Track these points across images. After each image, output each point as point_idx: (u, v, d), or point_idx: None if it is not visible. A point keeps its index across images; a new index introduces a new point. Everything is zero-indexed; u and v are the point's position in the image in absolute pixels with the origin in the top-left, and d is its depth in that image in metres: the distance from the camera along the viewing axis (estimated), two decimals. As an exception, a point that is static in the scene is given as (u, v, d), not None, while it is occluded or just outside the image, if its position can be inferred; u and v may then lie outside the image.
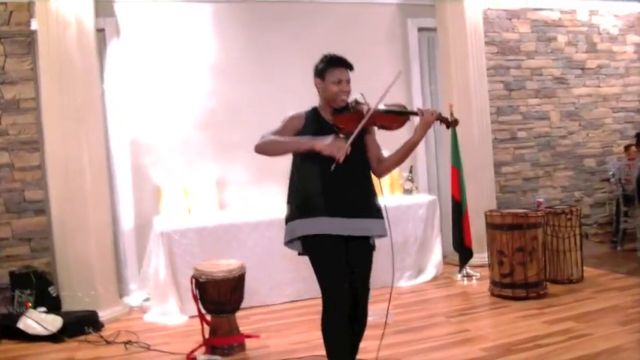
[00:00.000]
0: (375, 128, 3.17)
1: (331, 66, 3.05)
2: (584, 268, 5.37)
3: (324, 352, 3.68)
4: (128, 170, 5.58)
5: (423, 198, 5.93)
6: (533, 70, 7.21)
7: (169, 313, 4.88)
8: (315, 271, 3.04)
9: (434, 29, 6.45)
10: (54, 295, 4.90)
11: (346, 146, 2.86)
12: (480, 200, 5.99)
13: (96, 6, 4.97)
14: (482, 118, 6.23)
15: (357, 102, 3.12)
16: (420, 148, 6.10)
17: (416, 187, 6.14)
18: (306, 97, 5.73)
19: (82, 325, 4.57)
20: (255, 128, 5.65)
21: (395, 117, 3.12)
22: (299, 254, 3.17)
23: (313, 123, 3.08)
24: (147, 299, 5.21)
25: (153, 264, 5.01)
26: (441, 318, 4.58)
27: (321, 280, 3.00)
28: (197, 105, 5.75)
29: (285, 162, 5.68)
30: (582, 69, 7.53)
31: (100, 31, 5.28)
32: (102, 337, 4.43)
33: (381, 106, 3.07)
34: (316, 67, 3.12)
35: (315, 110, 3.16)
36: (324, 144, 2.87)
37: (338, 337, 2.98)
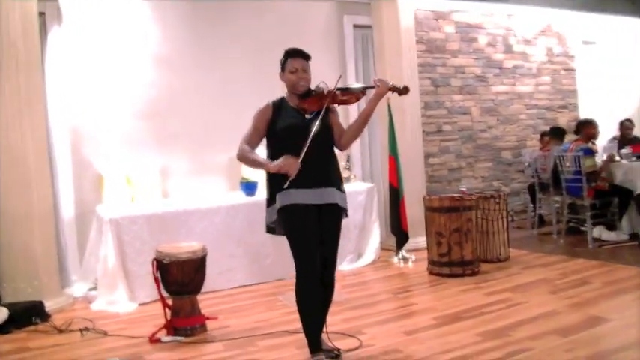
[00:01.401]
0: (337, 106, 3.48)
1: (289, 57, 3.38)
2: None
3: (287, 328, 3.91)
4: (69, 159, 5.48)
5: (361, 186, 6.22)
6: (457, 68, 7.70)
7: (118, 301, 4.86)
8: (289, 241, 3.27)
9: (368, 26, 6.77)
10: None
11: (296, 163, 3.15)
12: (412, 189, 6.35)
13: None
14: (414, 112, 6.61)
15: (317, 87, 3.42)
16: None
17: (354, 176, 6.44)
18: (248, 88, 5.98)
19: (28, 315, 4.47)
20: (196, 118, 5.87)
21: (352, 93, 3.47)
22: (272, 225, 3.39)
23: (280, 110, 3.37)
24: (92, 288, 5.16)
25: (101, 252, 4.98)
26: (388, 295, 4.88)
27: (294, 248, 3.24)
28: (140, 94, 5.73)
29: (225, 154, 5.87)
30: (500, 68, 8.12)
31: (40, 14, 5.16)
32: (54, 326, 4.36)
33: (339, 89, 3.41)
34: (280, 61, 3.42)
35: (282, 99, 3.44)
36: (275, 166, 3.19)
37: (311, 303, 3.22)
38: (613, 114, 8.63)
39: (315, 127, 3.21)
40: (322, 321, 3.31)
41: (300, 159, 3.15)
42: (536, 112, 8.48)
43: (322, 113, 3.28)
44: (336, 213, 3.36)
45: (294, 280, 3.22)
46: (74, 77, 5.48)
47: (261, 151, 3.40)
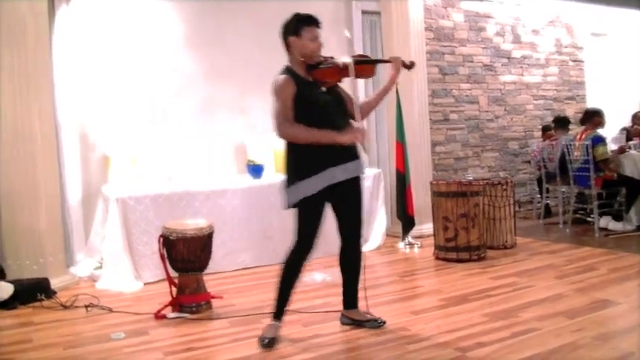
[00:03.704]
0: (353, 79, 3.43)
1: (307, 24, 3.28)
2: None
3: (292, 307, 3.92)
4: (76, 138, 5.47)
5: (368, 171, 6.18)
6: (465, 57, 7.67)
7: (124, 280, 4.85)
8: (299, 217, 3.32)
9: (377, 12, 6.75)
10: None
11: (363, 130, 3.26)
12: (419, 176, 6.34)
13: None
14: (422, 99, 6.60)
15: (325, 57, 3.39)
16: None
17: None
18: (255, 71, 5.96)
19: (33, 292, 4.48)
20: (203, 100, 5.85)
21: (368, 66, 3.47)
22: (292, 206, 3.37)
23: (299, 84, 3.25)
24: (98, 268, 5.16)
25: (107, 232, 4.98)
26: (395, 277, 4.88)
27: (302, 226, 3.31)
28: (147, 75, 5.73)
29: (231, 136, 5.87)
30: (508, 58, 8.09)
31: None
32: (59, 302, 4.37)
33: (356, 61, 3.38)
34: (287, 26, 3.31)
35: (291, 71, 3.32)
36: (346, 137, 3.20)
37: (296, 277, 3.39)
38: (621, 106, 8.58)
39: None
40: (292, 293, 3.44)
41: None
42: (544, 103, 8.45)
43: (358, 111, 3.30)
44: (359, 181, 3.44)
45: (288, 251, 3.36)
46: (81, 57, 5.46)
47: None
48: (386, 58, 3.57)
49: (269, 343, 3.31)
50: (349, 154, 3.31)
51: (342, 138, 3.20)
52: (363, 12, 6.85)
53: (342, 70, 3.31)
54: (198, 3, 5.95)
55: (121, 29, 5.63)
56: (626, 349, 3.01)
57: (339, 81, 3.38)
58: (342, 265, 3.58)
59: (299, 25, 3.27)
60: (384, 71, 3.69)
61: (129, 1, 5.66)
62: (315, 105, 3.26)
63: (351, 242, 3.50)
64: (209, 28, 5.97)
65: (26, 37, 4.69)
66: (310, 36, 3.27)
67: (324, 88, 3.33)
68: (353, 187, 3.41)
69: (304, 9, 6.12)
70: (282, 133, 3.22)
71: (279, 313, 3.41)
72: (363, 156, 3.47)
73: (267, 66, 6.01)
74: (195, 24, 5.92)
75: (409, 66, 3.55)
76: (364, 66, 3.43)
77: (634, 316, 3.54)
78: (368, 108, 3.58)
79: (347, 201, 3.41)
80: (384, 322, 3.55)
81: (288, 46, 3.33)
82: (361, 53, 3.74)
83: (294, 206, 3.32)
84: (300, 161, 3.28)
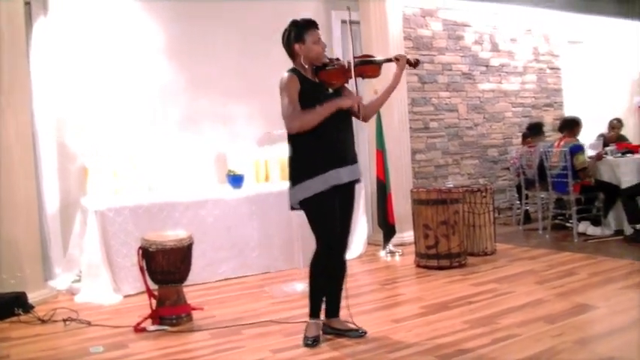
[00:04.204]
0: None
1: (308, 28, 3.32)
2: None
3: (273, 318, 3.92)
4: (53, 150, 5.41)
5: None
6: (444, 65, 7.72)
7: (103, 293, 4.79)
8: (314, 221, 3.35)
9: (357, 22, 6.77)
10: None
11: (359, 96, 3.36)
12: (399, 185, 6.36)
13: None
14: (401, 108, 6.63)
15: (330, 58, 3.43)
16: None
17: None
18: (235, 81, 5.95)
19: (10, 306, 4.40)
20: (184, 110, 5.82)
21: (374, 66, 3.50)
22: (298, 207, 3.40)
23: (303, 83, 3.29)
24: (76, 280, 5.10)
25: (85, 244, 4.92)
26: (376, 285, 4.88)
27: (320, 228, 3.33)
28: (126, 86, 5.69)
29: (213, 146, 5.86)
30: (487, 66, 8.16)
31: (26, 4, 5.11)
32: (37, 317, 4.30)
33: (361, 62, 3.45)
34: (288, 34, 3.35)
35: (295, 70, 3.34)
36: (348, 101, 3.30)
37: (327, 276, 3.43)
38: (598, 112, 8.69)
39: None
40: (326, 292, 3.51)
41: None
42: (522, 110, 8.54)
43: (356, 86, 3.35)
44: (354, 189, 3.49)
45: (314, 255, 3.39)
46: (59, 68, 5.41)
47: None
48: (391, 57, 3.56)
49: (313, 342, 3.40)
50: (350, 157, 3.38)
51: (344, 102, 3.28)
52: (343, 21, 6.87)
53: (347, 72, 3.35)
54: (183, 14, 5.92)
55: (102, 40, 5.59)
56: (606, 354, 3.03)
57: (346, 82, 3.41)
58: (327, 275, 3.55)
59: (301, 31, 3.31)
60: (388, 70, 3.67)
61: (109, 11, 5.63)
62: (320, 105, 3.25)
63: (338, 252, 3.49)
64: (190, 38, 5.95)
65: (2, 49, 4.64)
66: (313, 39, 3.31)
67: (330, 90, 3.36)
68: (350, 194, 3.47)
69: (285, 20, 6.17)
70: (293, 125, 3.23)
71: (314, 311, 3.47)
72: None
73: (248, 76, 6.10)
74: (176, 34, 5.89)
75: (414, 64, 3.60)
76: (369, 66, 3.47)
77: (613, 320, 3.58)
78: (373, 107, 3.66)
79: (342, 209, 3.41)
80: (365, 333, 3.55)
81: (293, 54, 3.37)
82: (366, 54, 3.76)
83: (303, 208, 3.34)
84: (307, 161, 3.30)
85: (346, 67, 3.36)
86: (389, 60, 3.53)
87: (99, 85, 5.58)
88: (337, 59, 3.47)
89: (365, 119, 3.61)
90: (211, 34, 6.04)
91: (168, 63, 5.85)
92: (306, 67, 3.36)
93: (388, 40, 6.45)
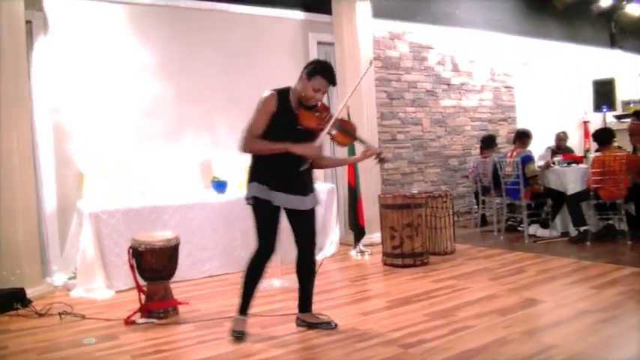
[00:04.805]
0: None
1: (321, 75, 3.24)
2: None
3: (252, 311, 3.90)
4: (52, 158, 5.35)
5: (323, 186, 6.20)
6: (410, 83, 7.79)
7: (96, 289, 4.75)
8: (256, 224, 3.39)
9: (331, 44, 6.82)
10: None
11: (318, 150, 3.25)
12: (369, 191, 6.38)
13: (25, -3, 4.78)
14: (371, 121, 6.67)
15: (322, 104, 3.36)
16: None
17: (316, 177, 6.42)
18: (219, 93, 5.94)
19: (9, 301, 4.34)
20: (173, 120, 5.80)
21: (348, 138, 3.42)
22: (246, 201, 3.42)
23: (282, 107, 3.26)
24: (72, 277, 5.04)
25: (81, 244, 4.87)
26: (347, 282, 4.89)
27: (259, 232, 3.38)
28: (120, 98, 5.63)
29: (199, 154, 5.84)
30: (448, 84, 8.25)
31: (27, 22, 5.05)
32: (34, 310, 4.25)
33: (339, 126, 3.34)
34: (310, 64, 3.33)
35: (286, 93, 3.32)
36: (301, 149, 3.21)
37: (258, 276, 3.42)
38: (546, 127, 8.81)
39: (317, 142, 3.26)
40: (255, 292, 3.48)
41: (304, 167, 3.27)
42: (480, 124, 8.64)
43: (321, 138, 3.26)
44: (310, 212, 3.45)
45: (251, 254, 3.42)
46: (58, 82, 5.35)
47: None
48: (368, 141, 3.52)
49: (239, 335, 3.41)
50: (302, 188, 3.34)
51: (295, 148, 3.21)
52: (319, 43, 6.90)
53: (323, 124, 3.26)
54: (172, 34, 5.89)
55: (97, 56, 5.53)
56: (550, 343, 3.09)
57: (314, 130, 3.27)
58: (298, 273, 3.58)
59: (315, 72, 3.24)
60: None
61: (104, 30, 5.57)
62: (285, 134, 3.23)
63: (306, 253, 3.51)
64: (178, 56, 5.92)
65: (4, 64, 4.59)
66: (316, 86, 3.23)
67: (299, 127, 3.26)
68: (306, 217, 3.45)
69: (267, 40, 6.22)
70: (243, 146, 3.26)
71: (242, 308, 3.46)
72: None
73: (231, 90, 6.09)
74: (166, 52, 5.85)
75: (381, 160, 3.50)
76: (344, 135, 3.37)
77: (558, 313, 3.64)
78: (328, 163, 3.80)
79: (301, 216, 3.42)
80: (336, 325, 3.55)
81: (300, 77, 3.33)
82: (351, 122, 3.64)
83: (252, 207, 3.37)
84: (264, 171, 3.31)
85: (325, 120, 3.28)
86: (365, 143, 3.47)
87: (95, 98, 5.52)
88: (326, 110, 3.37)
89: (317, 167, 3.53)
90: (197, 52, 6.02)
91: (157, 78, 5.81)
92: (296, 96, 3.32)
93: (359, 60, 6.49)
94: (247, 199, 3.38)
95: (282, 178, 3.29)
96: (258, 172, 3.34)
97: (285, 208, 3.38)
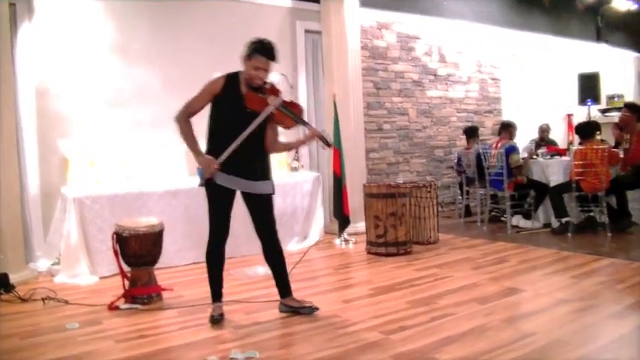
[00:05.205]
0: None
1: (259, 53, 3.31)
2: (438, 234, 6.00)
3: (235, 298, 3.93)
4: (35, 142, 5.30)
5: (308, 175, 6.25)
6: (397, 73, 7.80)
7: (80, 274, 4.74)
8: (208, 206, 3.49)
9: (318, 32, 6.81)
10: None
11: (215, 167, 3.30)
12: (354, 180, 6.41)
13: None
14: (357, 111, 6.69)
15: (271, 86, 3.41)
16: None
17: (302, 166, 6.47)
18: (205, 80, 5.88)
19: (-7, 286, 4.33)
20: (160, 108, 5.77)
21: (289, 118, 3.42)
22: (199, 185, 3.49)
23: (229, 89, 3.36)
24: (55, 263, 5.02)
25: (65, 229, 4.85)
26: (331, 270, 4.94)
27: (210, 219, 3.48)
28: (106, 84, 5.59)
29: (180, 142, 5.78)
30: (435, 75, 8.27)
31: (11, 5, 4.98)
32: (18, 296, 4.22)
33: (282, 107, 3.36)
34: (247, 46, 3.35)
35: (237, 77, 3.40)
36: (198, 159, 3.36)
37: (216, 262, 3.53)
38: (531, 119, 8.89)
39: (249, 128, 3.29)
40: (221, 277, 3.58)
41: (223, 159, 3.29)
42: (466, 116, 8.69)
43: (258, 119, 3.31)
44: (262, 197, 3.48)
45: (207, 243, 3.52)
46: (43, 67, 5.30)
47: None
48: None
49: (216, 320, 3.47)
50: (249, 173, 3.40)
51: (196, 157, 3.37)
52: (306, 31, 6.89)
53: (264, 105, 3.32)
54: (158, 21, 5.85)
55: (82, 42, 5.47)
56: (529, 330, 3.15)
57: (257, 111, 3.32)
58: (267, 261, 3.64)
59: (254, 51, 3.31)
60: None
61: (91, 16, 5.52)
62: (234, 116, 3.33)
63: (268, 239, 3.56)
64: (165, 44, 5.88)
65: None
66: (256, 64, 3.30)
67: (248, 109, 3.33)
68: (255, 201, 3.49)
69: (254, 28, 6.19)
70: (177, 119, 3.42)
71: (215, 296, 3.56)
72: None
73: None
74: (152, 41, 5.81)
75: (329, 144, 3.51)
76: (286, 117, 3.39)
77: (537, 302, 3.71)
78: (282, 147, 3.74)
79: (256, 201, 3.48)
80: (318, 308, 3.60)
81: (242, 58, 3.38)
82: (298, 104, 3.63)
83: (205, 190, 3.46)
84: (212, 151, 3.39)
85: (267, 101, 3.32)
86: (307, 125, 3.50)
87: (80, 83, 5.47)
88: (275, 92, 3.41)
89: (269, 152, 3.55)
90: (183, 41, 5.98)
91: (143, 65, 5.77)
92: (244, 78, 3.38)
93: (347, 50, 6.49)
94: (206, 191, 3.46)
95: (231, 161, 3.31)
96: (211, 154, 3.38)
97: (242, 194, 3.45)
